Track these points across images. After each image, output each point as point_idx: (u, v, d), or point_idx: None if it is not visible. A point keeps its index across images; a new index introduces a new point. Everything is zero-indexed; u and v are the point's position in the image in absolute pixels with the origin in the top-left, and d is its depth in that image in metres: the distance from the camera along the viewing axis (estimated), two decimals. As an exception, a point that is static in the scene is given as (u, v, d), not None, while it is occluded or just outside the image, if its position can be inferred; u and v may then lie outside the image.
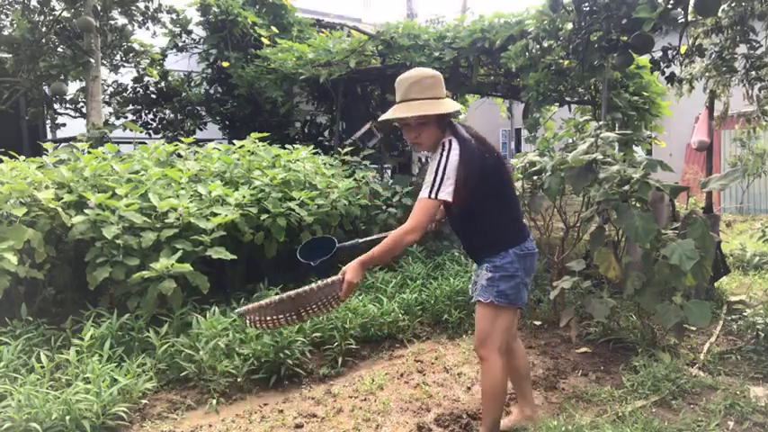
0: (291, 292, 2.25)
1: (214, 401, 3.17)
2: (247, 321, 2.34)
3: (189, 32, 8.80)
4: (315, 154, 5.67)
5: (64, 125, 8.21)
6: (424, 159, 12.73)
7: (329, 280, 2.29)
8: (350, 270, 2.31)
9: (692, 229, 3.35)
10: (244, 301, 4.19)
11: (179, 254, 3.67)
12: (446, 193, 2.32)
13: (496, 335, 2.50)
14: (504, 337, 2.54)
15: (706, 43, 5.36)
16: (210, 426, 2.96)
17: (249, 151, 5.18)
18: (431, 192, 2.32)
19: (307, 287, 2.26)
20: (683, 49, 4.96)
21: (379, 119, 2.47)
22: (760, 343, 3.75)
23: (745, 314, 4.18)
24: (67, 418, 2.68)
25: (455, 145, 2.37)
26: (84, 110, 7.69)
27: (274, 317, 2.32)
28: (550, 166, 3.94)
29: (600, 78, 5.31)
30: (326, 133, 9.07)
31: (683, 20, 4.37)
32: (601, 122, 4.23)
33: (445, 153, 2.36)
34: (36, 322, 3.59)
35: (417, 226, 2.34)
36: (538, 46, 5.41)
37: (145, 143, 5.58)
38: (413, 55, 6.21)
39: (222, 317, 3.69)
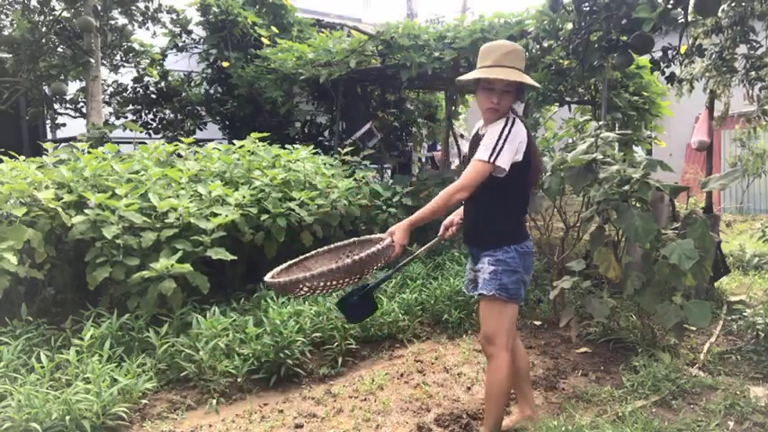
0: (360, 255, 2.30)
1: (214, 401, 3.17)
2: (303, 290, 2.34)
3: (189, 32, 8.80)
4: (315, 154, 5.67)
5: (64, 125, 8.20)
6: (423, 159, 12.75)
7: (384, 244, 2.35)
8: (398, 231, 2.40)
9: (691, 229, 3.36)
10: (244, 301, 4.19)
11: (179, 254, 3.67)
12: (503, 161, 2.40)
13: (504, 331, 2.51)
14: (511, 333, 2.56)
15: (706, 43, 5.36)
16: (210, 426, 2.96)
17: (249, 151, 5.18)
18: (490, 155, 2.39)
19: (371, 250, 2.31)
20: (682, 49, 4.96)
21: (490, 76, 2.42)
22: (760, 343, 3.75)
23: (745, 314, 4.18)
24: (67, 418, 2.69)
25: (519, 123, 2.49)
26: (84, 110, 7.69)
27: (340, 281, 2.37)
28: (550, 166, 3.94)
29: (600, 78, 5.31)
30: (326, 133, 9.06)
31: (683, 20, 4.37)
32: (601, 122, 4.23)
33: (509, 124, 2.46)
34: (36, 322, 3.59)
35: (468, 184, 2.42)
36: (538, 46, 5.42)
37: (145, 143, 5.58)
38: (413, 55, 6.20)
39: (222, 317, 3.69)
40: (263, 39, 8.27)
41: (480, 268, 2.56)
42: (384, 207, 5.70)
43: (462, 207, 2.79)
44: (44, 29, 6.95)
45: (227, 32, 8.22)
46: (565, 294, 4.27)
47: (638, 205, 3.46)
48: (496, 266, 2.50)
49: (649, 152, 7.28)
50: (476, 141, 2.62)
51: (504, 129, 2.44)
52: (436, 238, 2.83)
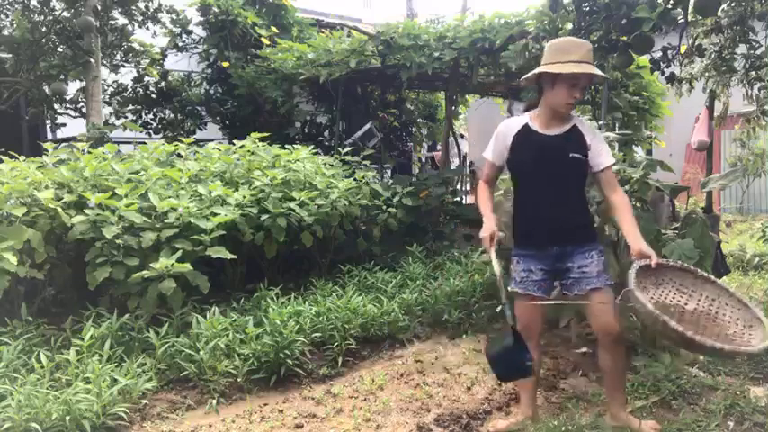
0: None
1: (214, 401, 3.17)
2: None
3: (189, 32, 8.79)
4: (315, 154, 5.67)
5: (64, 125, 8.19)
6: (423, 159, 12.73)
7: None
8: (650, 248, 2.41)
9: (691, 229, 3.36)
10: (244, 301, 4.19)
11: (179, 254, 3.67)
12: None
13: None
14: None
15: (706, 43, 5.35)
16: (210, 426, 2.96)
17: (249, 151, 5.18)
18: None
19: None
20: (683, 49, 4.95)
21: (587, 71, 2.50)
22: (760, 343, 3.75)
23: (745, 314, 4.17)
24: (67, 418, 2.69)
25: None
26: (84, 110, 7.68)
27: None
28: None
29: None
30: (326, 133, 9.07)
31: (683, 20, 4.37)
32: (601, 122, 4.23)
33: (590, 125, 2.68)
34: (36, 322, 3.59)
35: None
36: (538, 46, 5.41)
37: (145, 143, 5.58)
38: (413, 55, 6.20)
39: (222, 317, 3.69)
40: (263, 39, 8.27)
41: (588, 263, 2.58)
42: (384, 207, 5.70)
43: (530, 209, 2.69)
44: (44, 29, 6.95)
45: (227, 32, 8.22)
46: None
47: (638, 205, 3.46)
48: (603, 257, 2.60)
49: (649, 152, 7.27)
50: (550, 141, 2.59)
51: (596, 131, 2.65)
52: (494, 252, 2.55)
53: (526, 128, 2.66)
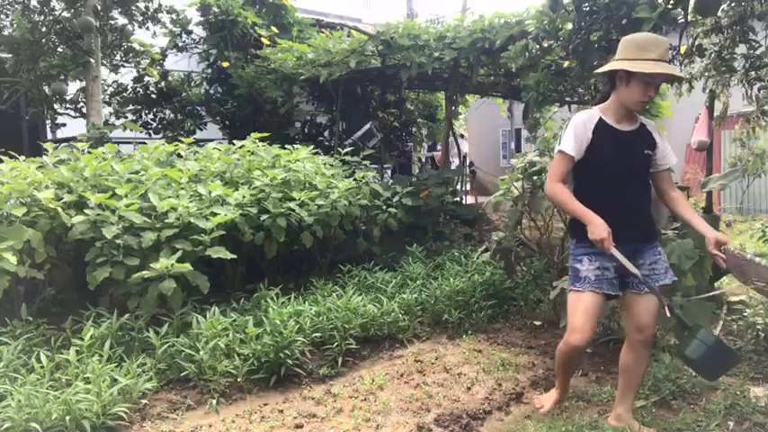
0: None
1: (214, 401, 3.17)
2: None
3: (189, 32, 8.80)
4: (315, 154, 5.67)
5: (64, 125, 8.19)
6: (423, 159, 12.73)
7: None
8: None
9: (691, 229, 3.35)
10: (244, 301, 4.19)
11: (179, 254, 3.67)
12: None
13: None
14: None
15: (706, 43, 5.35)
16: (210, 426, 2.96)
17: (249, 151, 5.18)
18: None
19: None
20: (683, 50, 4.95)
21: (667, 71, 2.40)
22: (760, 343, 3.75)
23: (745, 314, 4.18)
24: (67, 418, 2.69)
25: None
26: (84, 110, 7.68)
27: None
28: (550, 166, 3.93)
29: (600, 78, 5.30)
30: (326, 133, 9.07)
31: (683, 20, 4.37)
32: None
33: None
34: (36, 322, 3.60)
35: None
36: (538, 46, 5.41)
37: (145, 143, 5.58)
38: (413, 55, 6.21)
39: (222, 317, 3.69)
40: (263, 39, 8.28)
41: (657, 259, 2.62)
42: (384, 207, 5.70)
43: (607, 206, 2.52)
44: (44, 29, 6.95)
45: (227, 32, 8.22)
46: (565, 294, 4.26)
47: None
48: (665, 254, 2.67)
49: (649, 152, 7.28)
50: (626, 136, 2.56)
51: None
52: (617, 251, 2.43)
53: (602, 122, 2.56)
